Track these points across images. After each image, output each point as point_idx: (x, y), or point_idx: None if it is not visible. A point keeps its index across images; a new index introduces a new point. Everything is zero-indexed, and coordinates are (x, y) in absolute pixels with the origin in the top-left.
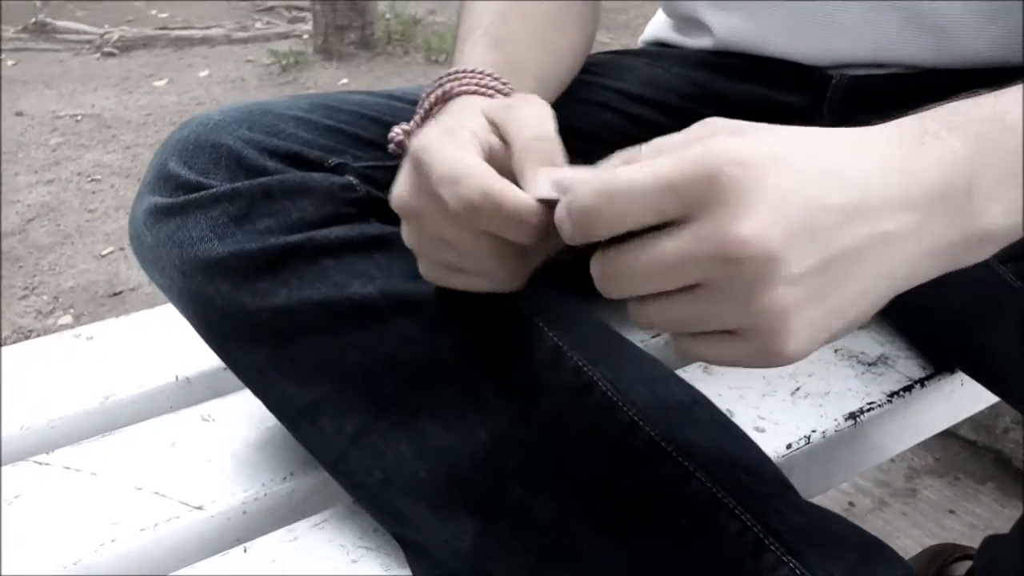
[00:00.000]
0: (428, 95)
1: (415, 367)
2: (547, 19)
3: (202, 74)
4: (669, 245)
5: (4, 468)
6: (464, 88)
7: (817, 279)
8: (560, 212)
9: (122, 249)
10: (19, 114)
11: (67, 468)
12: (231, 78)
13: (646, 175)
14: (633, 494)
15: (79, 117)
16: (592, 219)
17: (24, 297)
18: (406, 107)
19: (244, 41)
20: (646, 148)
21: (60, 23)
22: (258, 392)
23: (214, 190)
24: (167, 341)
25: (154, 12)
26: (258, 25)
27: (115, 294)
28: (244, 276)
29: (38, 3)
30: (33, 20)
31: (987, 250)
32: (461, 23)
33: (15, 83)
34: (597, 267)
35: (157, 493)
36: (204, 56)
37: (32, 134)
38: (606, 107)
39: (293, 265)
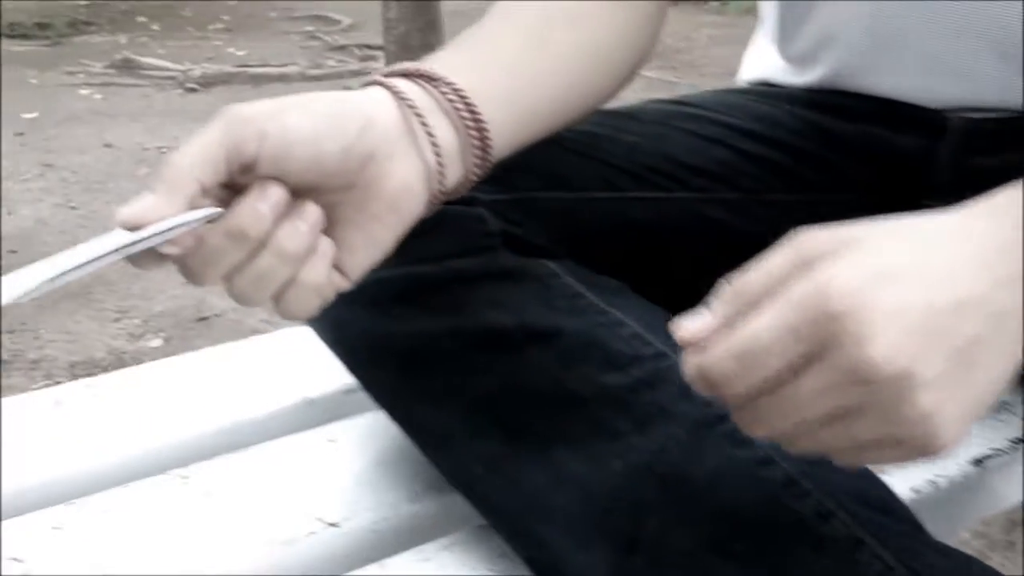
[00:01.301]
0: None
1: (549, 397)
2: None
3: None
4: (806, 382)
5: (148, 480)
6: (373, 80)
7: (950, 375)
8: (692, 372)
9: None
10: (108, 146)
11: (206, 482)
12: None
13: (769, 329)
14: (771, 530)
15: (164, 149)
16: (728, 380)
17: (117, 320)
18: None
19: (318, 79)
20: (751, 278)
21: (144, 59)
22: (393, 414)
23: None
24: (290, 364)
25: (232, 50)
26: (331, 63)
27: (202, 319)
28: (381, 302)
29: (123, 40)
30: (119, 56)
31: None
32: None
33: (103, 116)
34: (740, 414)
35: (293, 508)
36: (280, 93)
37: (121, 166)
38: (717, 143)
39: (429, 293)
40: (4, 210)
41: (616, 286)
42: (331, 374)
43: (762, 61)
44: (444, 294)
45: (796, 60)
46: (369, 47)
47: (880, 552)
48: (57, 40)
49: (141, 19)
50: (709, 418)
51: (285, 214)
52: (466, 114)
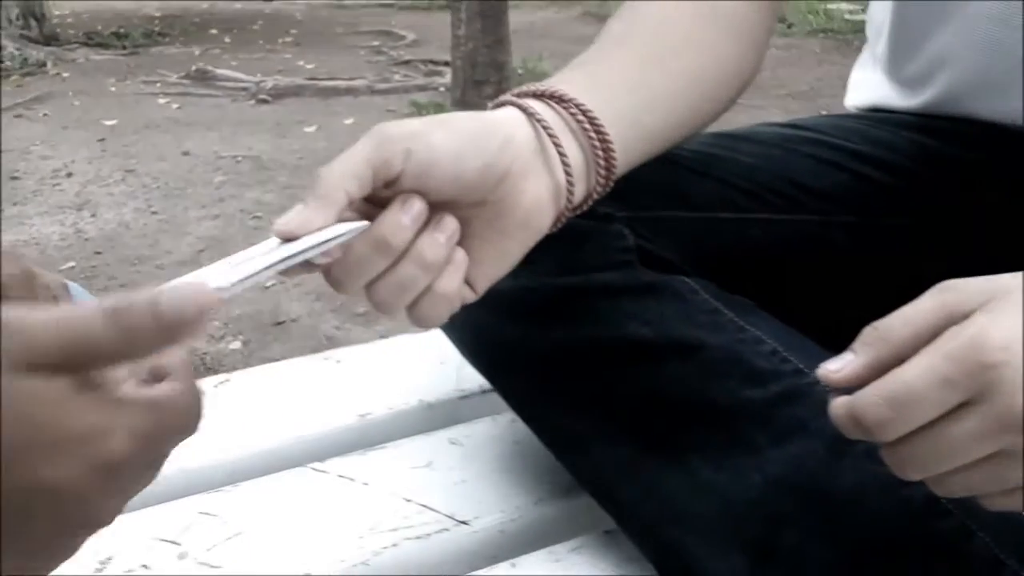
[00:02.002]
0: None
1: (688, 408)
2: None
3: (347, 122)
4: (960, 429)
5: (286, 472)
6: (505, 100)
7: None
8: (842, 413)
9: (283, 282)
10: (185, 153)
11: (341, 476)
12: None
13: (922, 378)
14: (911, 548)
15: (239, 158)
16: (881, 425)
17: None
18: (649, 160)
19: (384, 92)
20: (897, 324)
21: (218, 71)
22: (527, 418)
23: None
24: (405, 367)
25: (301, 63)
26: (397, 77)
27: (278, 323)
28: (524, 311)
29: (196, 51)
30: (194, 67)
31: None
32: None
33: (180, 124)
34: (891, 456)
35: (424, 506)
36: (348, 105)
37: (198, 172)
38: (836, 166)
39: (570, 304)
40: (88, 213)
41: (748, 304)
42: (445, 380)
43: (869, 87)
44: (586, 305)
45: (907, 82)
46: (433, 62)
47: (1023, 573)
48: (133, 50)
49: (213, 31)
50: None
51: (424, 226)
52: (593, 134)
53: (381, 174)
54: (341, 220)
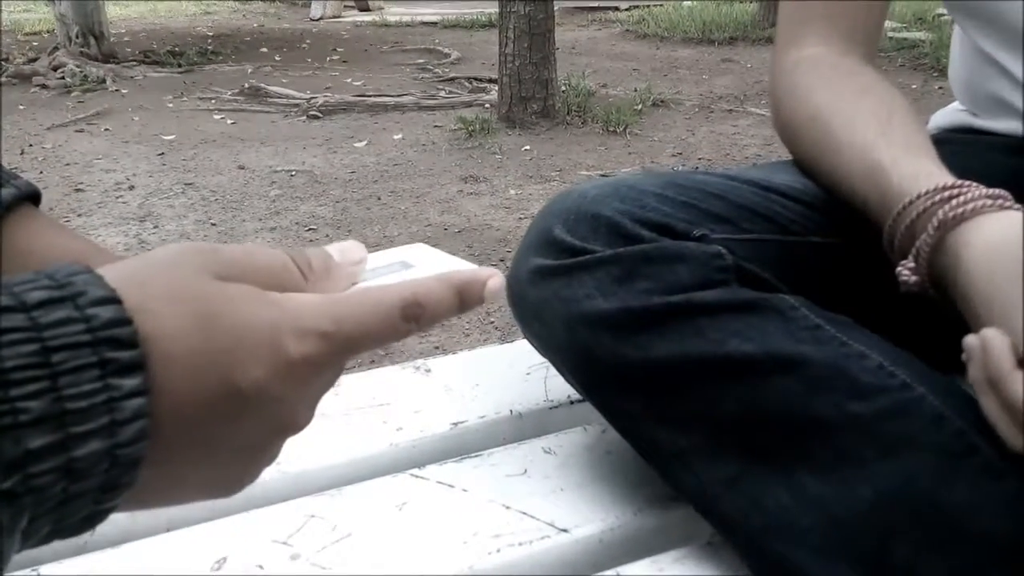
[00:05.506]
0: (930, 224)
1: (793, 423)
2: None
3: (396, 137)
4: None
5: (387, 478)
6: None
7: None
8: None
9: None
10: (241, 168)
11: (440, 483)
12: (422, 141)
13: None
14: None
15: (292, 172)
16: None
17: None
18: (741, 186)
19: (431, 108)
20: None
21: (271, 88)
22: (628, 435)
23: (599, 254)
24: (493, 378)
25: (349, 80)
26: (443, 94)
27: None
28: (626, 330)
29: (248, 69)
30: (247, 85)
31: None
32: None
33: (235, 139)
34: None
35: (524, 513)
36: (396, 121)
37: (254, 186)
38: None
39: (673, 322)
40: (150, 224)
41: (848, 321)
42: (533, 391)
43: (951, 108)
44: (688, 323)
45: (983, 102)
46: (478, 80)
47: None
48: (188, 68)
49: (263, 50)
50: (960, 449)
51: None
52: None
53: None
54: None
